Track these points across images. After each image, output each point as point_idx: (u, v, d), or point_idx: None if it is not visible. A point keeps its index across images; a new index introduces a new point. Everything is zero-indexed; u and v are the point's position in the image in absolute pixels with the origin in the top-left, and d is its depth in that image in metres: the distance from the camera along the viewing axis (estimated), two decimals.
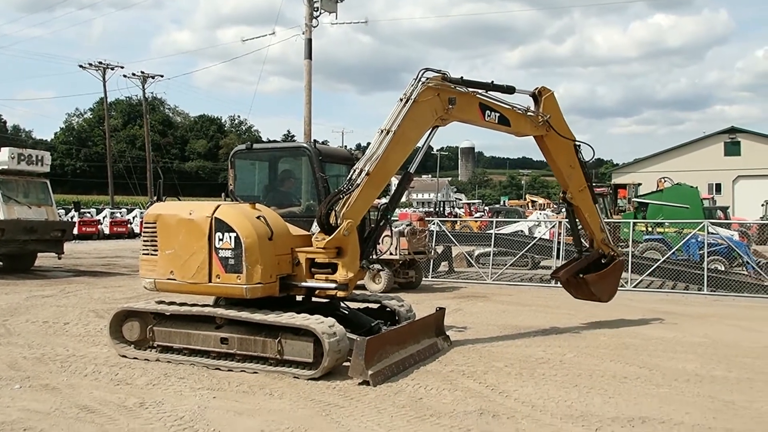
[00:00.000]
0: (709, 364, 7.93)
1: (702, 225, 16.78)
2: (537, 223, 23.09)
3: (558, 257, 16.74)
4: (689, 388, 6.82)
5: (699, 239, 16.91)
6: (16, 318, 10.73)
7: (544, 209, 46.52)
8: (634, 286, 15.68)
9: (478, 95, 8.72)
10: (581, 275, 10.29)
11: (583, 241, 10.65)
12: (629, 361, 8.00)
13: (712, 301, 14.04)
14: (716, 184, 52.49)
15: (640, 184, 32.35)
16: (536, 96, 9.64)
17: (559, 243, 16.97)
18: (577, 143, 10.03)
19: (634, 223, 19.68)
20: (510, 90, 9.07)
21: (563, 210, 37.29)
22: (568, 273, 10.43)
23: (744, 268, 16.97)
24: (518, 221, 23.40)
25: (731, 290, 14.84)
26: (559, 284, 15.74)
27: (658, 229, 21.22)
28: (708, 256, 15.99)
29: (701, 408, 6.13)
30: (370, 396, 6.35)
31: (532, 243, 18.03)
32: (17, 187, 18.28)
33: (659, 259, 16.39)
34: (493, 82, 8.90)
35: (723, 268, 16.58)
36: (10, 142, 69.58)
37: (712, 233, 17.30)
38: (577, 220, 10.41)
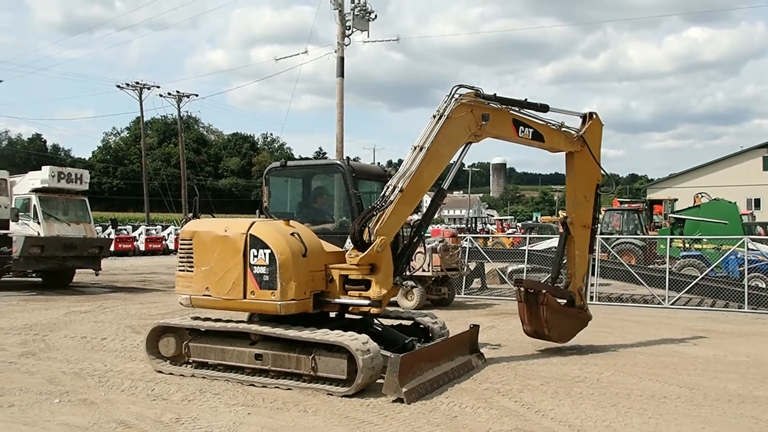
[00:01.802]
0: (751, 384, 7.72)
1: (742, 241, 16.42)
2: None
3: (593, 273, 16.50)
4: (731, 409, 6.64)
5: (739, 255, 16.52)
6: (55, 333, 10.92)
7: None
8: (672, 304, 15.38)
9: (511, 111, 8.68)
10: (545, 296, 9.30)
11: (562, 272, 9.97)
12: (668, 381, 7.83)
13: (753, 319, 13.69)
14: (755, 199, 51.39)
15: (676, 200, 31.85)
16: (586, 117, 9.70)
17: (593, 260, 16.72)
18: (603, 173, 9.90)
19: (671, 239, 19.36)
20: (544, 108, 9.02)
21: (597, 226, 36.67)
22: (536, 286, 9.59)
23: None
24: (552, 237, 23.12)
25: None
26: (591, 300, 15.55)
27: (696, 246, 20.83)
28: (748, 273, 15.60)
29: (744, 429, 5.97)
30: (404, 414, 6.31)
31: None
32: (57, 204, 18.70)
33: (697, 276, 16.05)
34: (526, 99, 8.86)
35: (764, 285, 16.14)
36: (50, 161, 71.29)
37: (752, 249, 16.89)
38: (565, 249, 9.90)
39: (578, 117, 9.64)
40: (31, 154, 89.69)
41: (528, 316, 9.46)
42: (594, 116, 9.76)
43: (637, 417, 6.29)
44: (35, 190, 18.17)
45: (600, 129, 9.90)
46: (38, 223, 17.89)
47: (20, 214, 17.98)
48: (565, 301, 9.65)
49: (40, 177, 18.26)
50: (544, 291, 9.37)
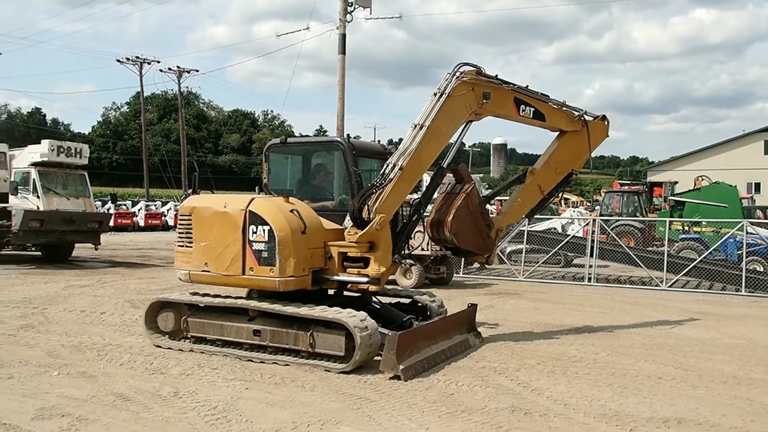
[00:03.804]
0: (746, 366, 7.76)
1: (741, 224, 16.43)
2: (570, 221, 22.86)
3: (591, 255, 16.55)
4: (726, 390, 6.68)
5: (737, 239, 16.55)
6: (54, 307, 10.96)
7: (577, 207, 46.05)
8: (670, 286, 15.43)
9: (512, 89, 8.63)
10: (472, 186, 8.43)
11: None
12: (664, 362, 7.87)
13: (750, 303, 13.74)
14: (756, 183, 51.37)
15: (676, 183, 31.83)
16: (599, 117, 9.83)
17: (592, 241, 16.77)
18: (587, 167, 9.88)
19: (670, 221, 19.37)
20: (543, 98, 9.00)
21: (597, 208, 36.72)
22: (467, 177, 8.57)
23: None
24: (551, 218, 23.15)
25: None
26: (589, 281, 15.60)
27: (695, 228, 20.85)
28: (746, 257, 15.64)
29: (739, 410, 6.00)
30: (401, 391, 6.35)
31: (565, 240, 17.83)
32: (56, 178, 18.69)
33: (696, 259, 16.08)
34: (528, 86, 8.82)
35: (762, 269, 16.19)
36: (50, 135, 71.12)
37: (751, 233, 16.91)
38: (514, 191, 9.55)
39: (591, 117, 9.67)
40: (31, 128, 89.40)
41: (440, 203, 8.44)
42: (606, 120, 9.92)
43: (632, 397, 6.34)
44: (35, 164, 18.14)
45: (605, 132, 10.02)
46: (38, 197, 17.89)
47: (20, 187, 17.97)
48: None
49: (40, 151, 18.21)
50: (473, 183, 8.58)
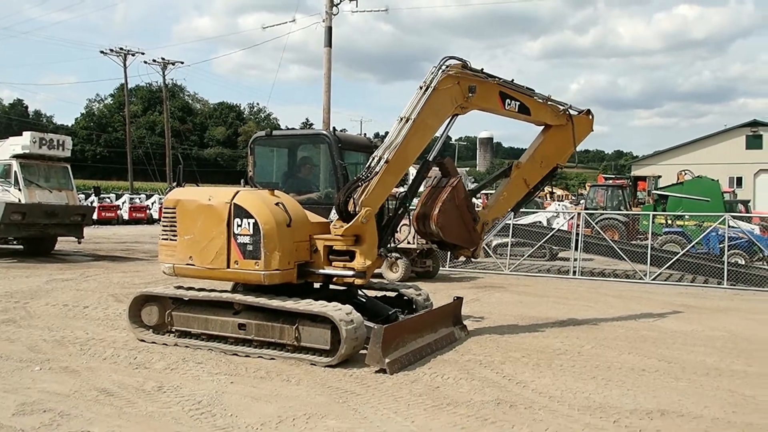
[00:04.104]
0: (728, 358, 7.85)
1: (723, 218, 16.59)
2: (555, 214, 22.96)
3: (576, 248, 16.64)
4: (708, 382, 6.75)
5: (719, 233, 16.73)
6: (36, 301, 10.86)
7: (562, 200, 46.26)
8: (653, 279, 15.55)
9: (498, 83, 8.64)
10: (458, 180, 8.47)
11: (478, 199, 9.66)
12: (647, 354, 7.94)
13: (731, 295, 13.89)
14: (737, 178, 51.85)
15: (660, 177, 32.12)
16: (584, 112, 9.87)
17: (577, 234, 16.86)
18: (572, 161, 9.97)
19: (653, 215, 19.50)
20: (529, 92, 9.01)
21: (581, 201, 36.85)
22: (453, 171, 8.63)
23: (765, 263, 16.77)
24: (536, 212, 23.23)
25: (751, 284, 14.68)
26: (574, 275, 15.69)
27: (678, 222, 21.01)
28: (728, 250, 15.80)
29: (721, 402, 6.06)
30: (387, 384, 6.35)
31: (551, 234, 17.91)
32: (38, 171, 18.45)
33: (678, 252, 16.22)
34: (513, 80, 8.83)
35: (743, 262, 16.33)
36: (32, 126, 70.26)
37: (733, 227, 17.08)
38: (499, 185, 9.60)
39: (575, 111, 9.70)
40: (13, 119, 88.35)
41: (426, 197, 8.47)
42: (591, 115, 9.96)
43: (616, 389, 6.38)
44: (16, 156, 17.90)
45: (590, 127, 10.04)
46: (19, 189, 17.66)
47: (1, 180, 17.74)
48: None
49: (21, 143, 17.98)
50: (459, 176, 8.59)
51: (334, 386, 6.25)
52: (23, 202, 17.44)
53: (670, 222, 21.70)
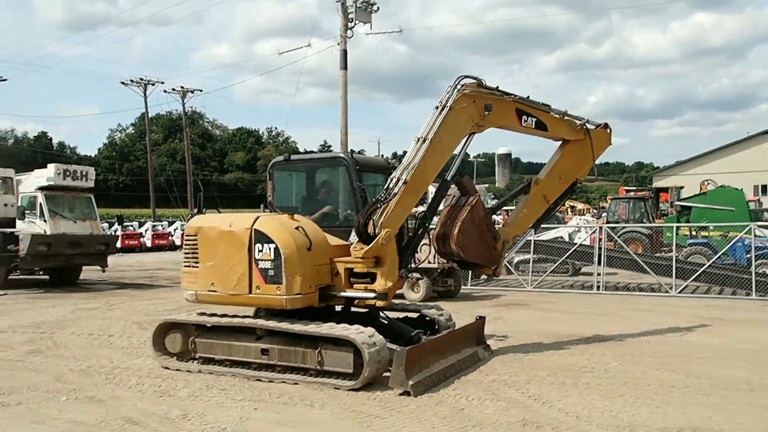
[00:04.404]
0: (760, 372, 7.68)
1: (748, 228, 16.33)
2: (577, 229, 22.79)
3: (599, 263, 16.47)
4: (740, 397, 6.61)
5: (746, 242, 16.44)
6: (62, 330, 10.96)
7: (583, 215, 45.94)
8: (679, 292, 15.32)
9: (514, 100, 8.64)
10: (477, 198, 8.44)
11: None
12: (676, 369, 7.80)
13: (761, 307, 13.63)
14: (762, 186, 51.15)
15: (682, 187, 31.73)
16: (601, 126, 9.83)
17: (600, 249, 16.70)
18: (593, 174, 9.86)
19: (677, 227, 19.27)
20: (545, 108, 9.00)
21: (603, 215, 36.53)
22: (471, 190, 8.56)
23: None
24: (558, 227, 23.10)
25: None
26: (598, 290, 15.52)
27: (703, 233, 20.74)
28: (756, 260, 15.52)
29: (754, 417, 5.93)
30: (411, 407, 6.30)
31: (573, 249, 17.77)
32: (63, 202, 18.75)
33: (704, 264, 15.98)
34: (528, 97, 8.83)
35: None
36: (56, 158, 71.39)
37: (759, 236, 16.82)
38: (519, 202, 9.60)
39: (593, 125, 9.68)
40: (37, 152, 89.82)
41: (446, 217, 8.43)
42: (609, 128, 9.91)
43: (644, 407, 6.27)
44: (41, 188, 18.22)
45: (608, 140, 9.99)
46: (44, 221, 17.95)
47: (26, 212, 18.04)
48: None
49: (46, 175, 18.31)
50: (478, 195, 8.55)
51: (358, 410, 6.21)
52: (48, 233, 17.71)
53: (694, 233, 21.44)
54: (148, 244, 41.65)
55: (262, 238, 7.33)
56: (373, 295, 7.43)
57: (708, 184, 26.26)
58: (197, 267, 7.80)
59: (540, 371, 7.74)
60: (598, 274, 16.50)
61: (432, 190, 8.88)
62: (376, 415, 6.06)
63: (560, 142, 9.59)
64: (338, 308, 8.18)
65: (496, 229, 8.96)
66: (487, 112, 8.17)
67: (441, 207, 8.68)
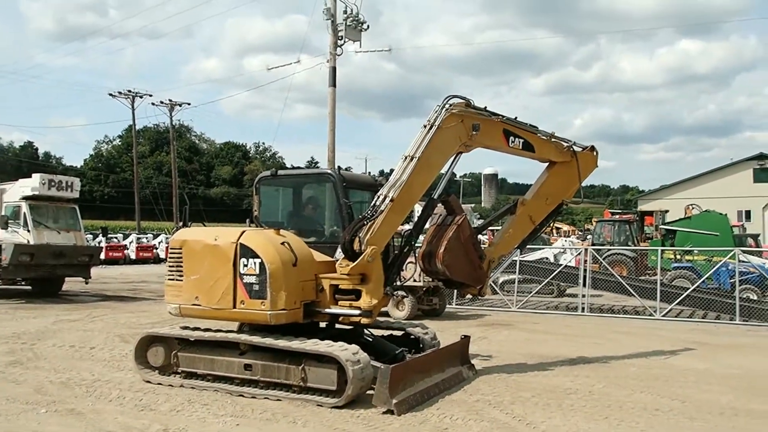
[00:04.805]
0: (744, 397, 7.71)
1: (732, 252, 16.46)
2: (562, 250, 22.86)
3: (584, 285, 16.52)
4: (724, 422, 6.62)
5: (730, 267, 16.56)
6: (43, 342, 10.82)
7: (569, 236, 46.12)
8: (663, 315, 15.38)
9: (502, 121, 8.69)
10: (463, 218, 8.46)
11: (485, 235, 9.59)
12: (660, 393, 7.81)
13: (744, 331, 13.71)
14: (746, 211, 51.60)
15: (667, 211, 31.99)
16: (588, 148, 9.88)
17: (585, 270, 16.75)
18: (578, 196, 9.90)
19: (662, 250, 19.39)
20: (533, 129, 9.06)
21: (588, 237, 36.69)
22: (458, 209, 8.59)
23: None
24: (543, 248, 23.13)
25: (765, 320, 14.47)
26: (583, 311, 15.54)
27: (687, 257, 20.89)
28: (739, 285, 15.63)
29: None
30: (395, 425, 6.26)
31: (558, 270, 17.81)
32: (47, 212, 18.60)
33: (689, 288, 16.07)
34: (516, 118, 8.89)
35: (756, 297, 16.16)
36: (42, 168, 70.90)
37: (743, 261, 16.94)
38: (505, 222, 9.64)
39: (579, 147, 9.73)
40: (23, 161, 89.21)
41: (432, 235, 8.42)
42: (595, 151, 9.97)
43: (629, 430, 6.26)
44: (25, 198, 18.06)
45: (594, 163, 10.04)
46: (28, 230, 17.77)
47: (10, 221, 17.86)
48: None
49: (31, 185, 18.16)
50: (464, 214, 8.56)
51: (341, 428, 6.16)
52: (32, 243, 17.53)
53: (679, 257, 21.58)
54: (132, 256, 41.36)
55: (247, 252, 7.29)
56: (357, 312, 7.40)
57: (693, 208, 26.51)
58: (181, 280, 7.74)
59: (524, 392, 7.72)
60: (583, 296, 16.54)
61: (418, 208, 8.89)
62: None
63: (547, 164, 9.64)
64: (323, 325, 8.13)
65: (482, 249, 8.98)
66: (474, 132, 8.21)
67: (427, 225, 8.68)
